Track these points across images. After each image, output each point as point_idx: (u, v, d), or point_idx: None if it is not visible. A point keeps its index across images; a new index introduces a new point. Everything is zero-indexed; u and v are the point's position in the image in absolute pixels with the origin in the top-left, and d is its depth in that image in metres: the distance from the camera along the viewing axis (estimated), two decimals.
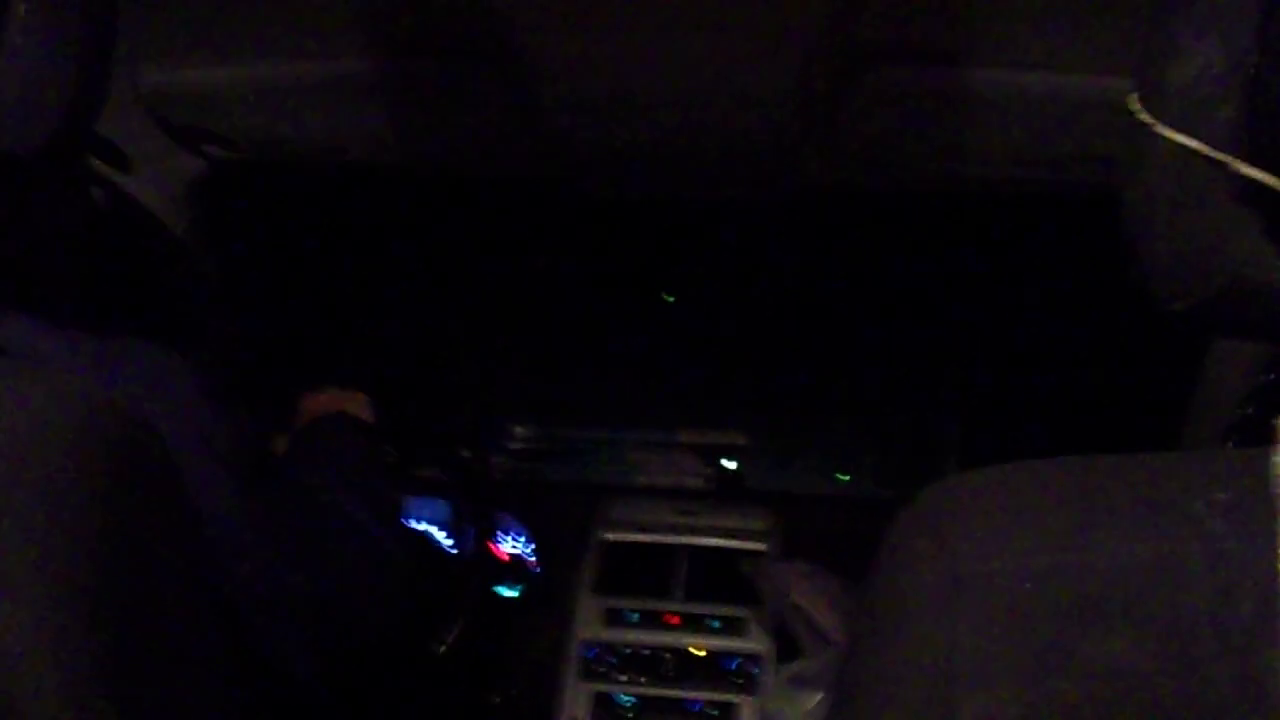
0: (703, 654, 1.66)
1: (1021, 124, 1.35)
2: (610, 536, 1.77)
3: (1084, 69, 1.27)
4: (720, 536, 1.75)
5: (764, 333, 1.91)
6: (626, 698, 1.65)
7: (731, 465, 1.89)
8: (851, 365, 1.90)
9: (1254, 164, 0.63)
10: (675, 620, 1.69)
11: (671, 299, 1.89)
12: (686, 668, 1.66)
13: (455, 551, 1.71)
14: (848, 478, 1.90)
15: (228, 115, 1.53)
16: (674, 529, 1.77)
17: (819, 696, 1.47)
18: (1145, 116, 0.67)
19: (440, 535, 1.72)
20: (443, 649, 1.64)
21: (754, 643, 1.66)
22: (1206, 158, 0.64)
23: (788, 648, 1.61)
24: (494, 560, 1.77)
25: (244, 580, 1.15)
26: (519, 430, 1.91)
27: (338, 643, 1.27)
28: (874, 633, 0.60)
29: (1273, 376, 0.65)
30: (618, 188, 1.66)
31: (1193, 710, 0.51)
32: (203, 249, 1.62)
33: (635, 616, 1.70)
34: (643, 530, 1.77)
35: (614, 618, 1.70)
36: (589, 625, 1.70)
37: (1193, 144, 0.64)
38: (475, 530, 1.72)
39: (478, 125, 1.52)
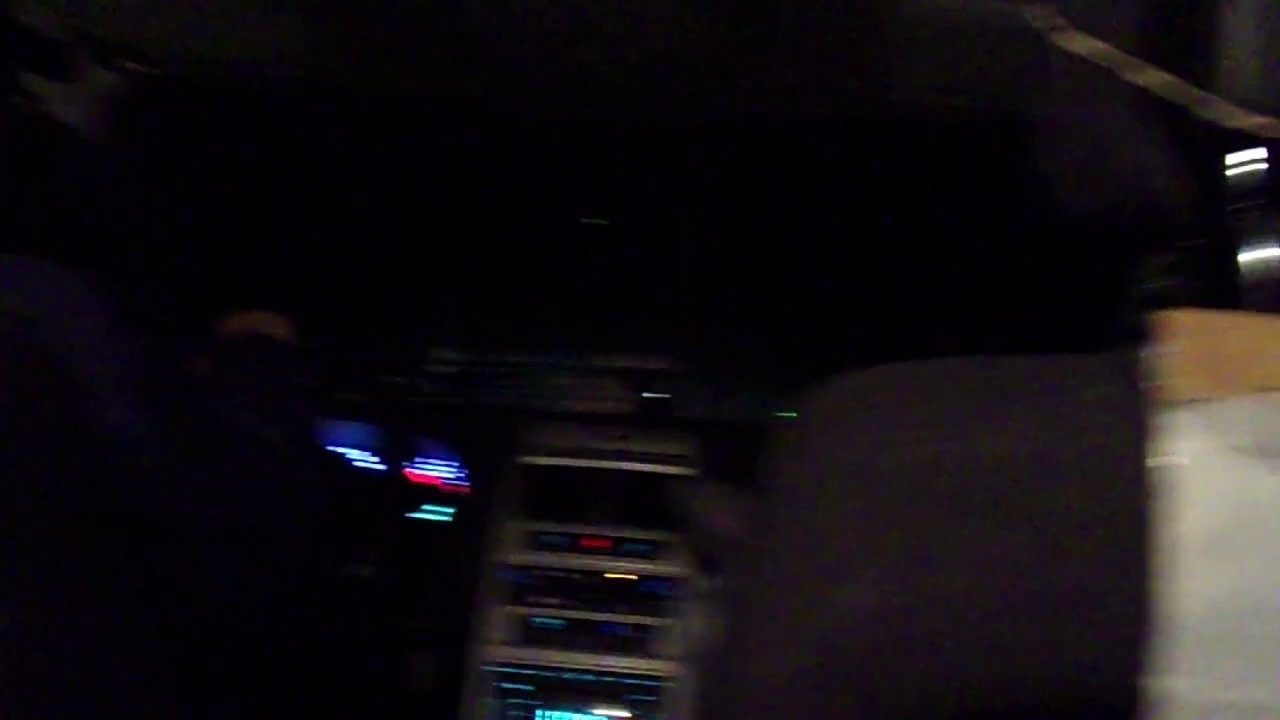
0: (624, 578, 1.67)
1: (941, 48, 1.35)
2: (533, 460, 1.76)
3: None
4: (647, 462, 1.75)
5: (696, 260, 1.90)
6: (549, 621, 1.66)
7: (660, 392, 1.88)
8: (785, 294, 1.90)
9: (1148, 68, 0.63)
10: (602, 544, 1.69)
11: (599, 222, 1.87)
12: (610, 592, 1.67)
13: (376, 475, 1.70)
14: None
15: (145, 29, 1.50)
16: (598, 454, 1.76)
17: None
18: (1041, 24, 0.67)
19: (362, 458, 1.72)
20: (365, 573, 1.63)
21: (680, 567, 1.66)
22: (1106, 61, 0.64)
23: (710, 571, 1.62)
24: (416, 485, 1.76)
25: (154, 504, 1.14)
26: (443, 354, 1.89)
27: (248, 566, 1.26)
28: (762, 520, 0.60)
29: (1159, 285, 0.66)
30: (548, 110, 1.65)
31: (1065, 595, 0.51)
32: (121, 166, 1.59)
33: (556, 539, 1.70)
34: (569, 455, 1.77)
35: (535, 541, 1.70)
36: (512, 549, 1.70)
37: (1088, 49, 0.64)
38: (397, 454, 1.72)
39: (403, 43, 1.50)
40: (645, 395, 1.88)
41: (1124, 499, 0.52)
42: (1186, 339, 0.53)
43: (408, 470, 1.75)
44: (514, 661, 1.64)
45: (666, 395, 1.90)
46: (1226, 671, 0.50)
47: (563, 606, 1.67)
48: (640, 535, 1.69)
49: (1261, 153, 0.59)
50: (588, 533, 1.70)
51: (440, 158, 1.87)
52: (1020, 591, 0.52)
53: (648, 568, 1.67)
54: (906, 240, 1.82)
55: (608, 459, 1.76)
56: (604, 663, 1.63)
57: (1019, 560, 0.52)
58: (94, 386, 1.04)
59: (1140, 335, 0.59)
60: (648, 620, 1.64)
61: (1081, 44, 0.65)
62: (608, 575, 1.67)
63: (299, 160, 1.86)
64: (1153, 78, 0.62)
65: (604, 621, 1.65)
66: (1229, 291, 0.60)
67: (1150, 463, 0.52)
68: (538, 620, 1.66)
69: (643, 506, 1.71)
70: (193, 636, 1.24)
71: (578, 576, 1.68)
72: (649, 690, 1.61)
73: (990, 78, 1.33)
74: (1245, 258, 0.59)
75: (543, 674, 1.63)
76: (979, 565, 0.52)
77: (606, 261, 1.89)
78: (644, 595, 1.65)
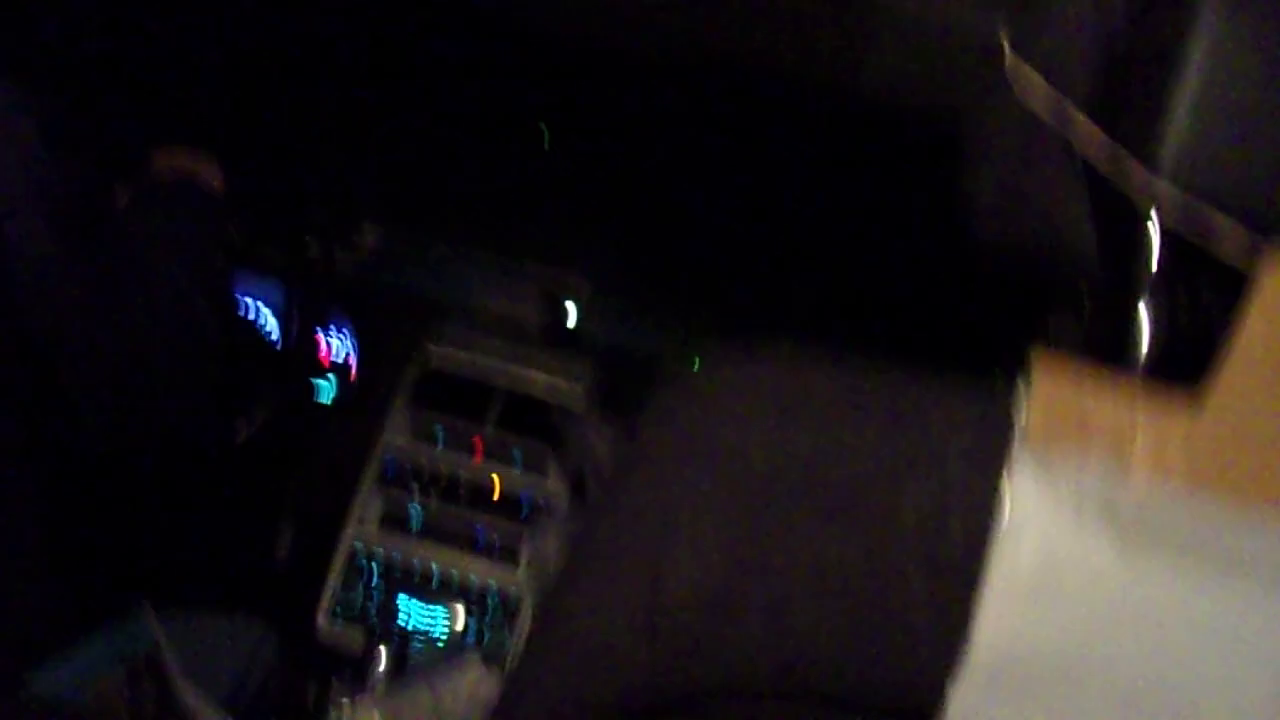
0: (499, 484, 1.68)
1: (901, 41, 1.37)
2: (436, 351, 1.77)
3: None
4: (543, 374, 1.76)
5: (634, 193, 1.90)
6: (416, 509, 1.67)
7: (570, 308, 1.88)
8: (704, 240, 1.91)
9: (1095, 120, 0.65)
10: (479, 445, 1.70)
11: (547, 133, 1.86)
12: (481, 495, 1.69)
13: (278, 337, 1.70)
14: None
15: None
16: (500, 356, 1.76)
17: None
18: (1009, 55, 0.69)
19: (268, 316, 1.71)
20: (243, 431, 1.64)
21: (550, 484, 1.68)
22: (1055, 106, 0.66)
23: (581, 494, 1.64)
24: (314, 356, 1.76)
25: (50, 323, 1.13)
26: (368, 227, 1.87)
27: (138, 402, 1.26)
28: (613, 482, 0.62)
29: (1058, 334, 0.68)
30: (515, 14, 1.64)
31: (889, 610, 0.54)
32: None
33: (443, 435, 1.71)
34: (467, 354, 1.77)
35: (422, 432, 1.71)
36: (396, 435, 1.71)
37: (1042, 87, 0.66)
38: (303, 319, 1.71)
39: None
40: (556, 310, 1.88)
41: (961, 535, 0.54)
42: (1047, 385, 0.56)
43: (314, 336, 1.74)
44: (376, 544, 1.66)
45: (576, 315, 1.90)
46: (1006, 704, 0.53)
47: (428, 498, 1.68)
48: (524, 445, 1.70)
49: (1163, 224, 0.62)
50: (472, 432, 1.71)
51: (402, 35, 1.84)
52: (845, 601, 0.54)
53: (524, 478, 1.69)
54: (833, 216, 1.83)
55: (506, 363, 1.76)
56: (462, 562, 1.65)
57: (850, 569, 0.54)
58: (13, 202, 1.03)
59: (1019, 370, 0.61)
60: (510, 528, 1.66)
61: (1032, 82, 0.67)
62: (484, 478, 1.69)
63: (254, 11, 1.82)
64: (1088, 131, 0.64)
65: (471, 522, 1.67)
66: (1115, 349, 0.63)
67: (992, 499, 0.54)
68: (408, 509, 1.68)
69: (532, 422, 1.72)
70: (67, 462, 1.24)
71: (455, 475, 1.69)
72: (504, 599, 1.63)
73: (947, 83, 1.35)
74: (1136, 318, 0.62)
75: (403, 563, 1.65)
76: (810, 559, 0.54)
77: (545, 170, 1.88)
78: (514, 505, 1.68)
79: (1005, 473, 0.54)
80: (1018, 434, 0.55)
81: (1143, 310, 0.63)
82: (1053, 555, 0.53)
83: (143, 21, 1.69)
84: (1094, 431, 0.55)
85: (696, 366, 0.62)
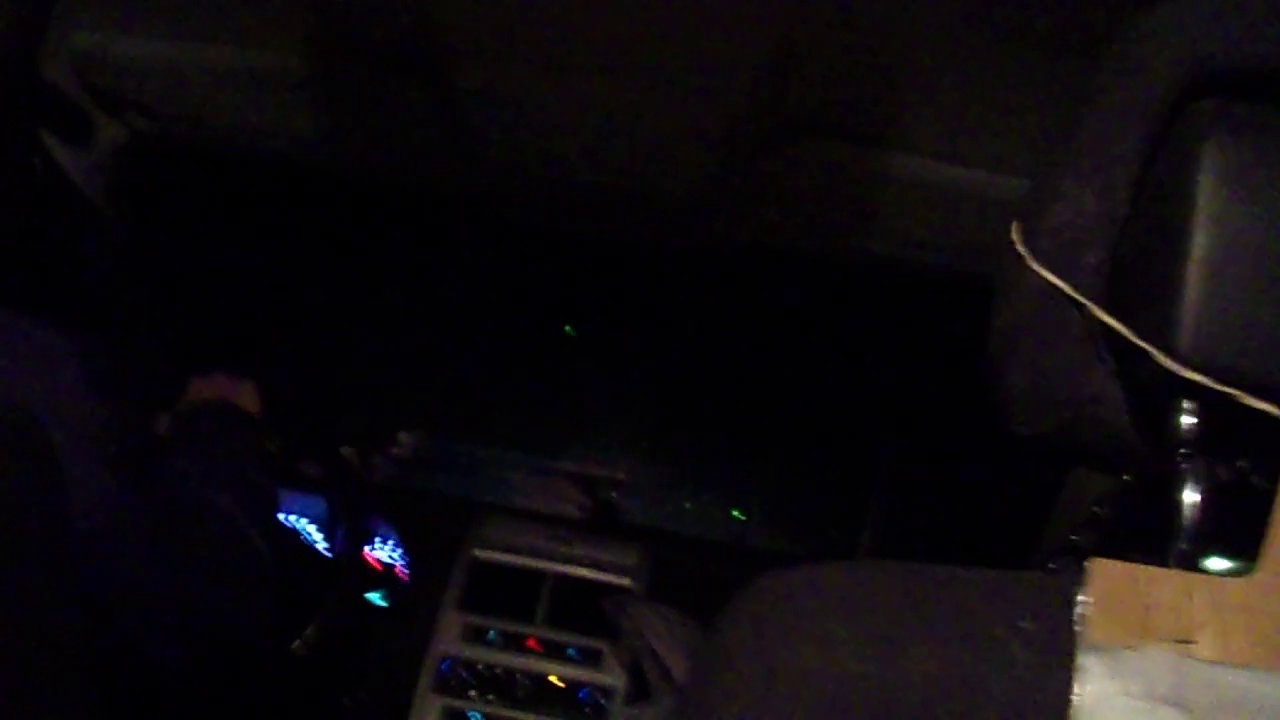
0: (557, 682, 1.68)
1: (928, 209, 1.40)
2: (481, 554, 1.78)
3: (988, 167, 1.32)
4: (589, 568, 1.77)
5: (659, 376, 1.94)
6: (477, 715, 1.67)
7: (610, 499, 1.91)
8: (746, 416, 1.94)
9: (1111, 311, 0.67)
10: (534, 645, 1.71)
11: (572, 331, 1.91)
12: (539, 693, 1.68)
13: (326, 552, 1.71)
14: (744, 517, 1.93)
15: (156, 88, 1.53)
16: (545, 554, 1.78)
17: None
18: (1021, 249, 0.71)
19: (313, 532, 1.73)
20: (300, 647, 1.64)
21: (608, 676, 1.68)
22: (1070, 297, 0.68)
23: (641, 687, 1.63)
24: (363, 565, 1.77)
25: (109, 571, 1.14)
26: (404, 436, 1.91)
27: (199, 637, 1.27)
28: (691, 709, 0.63)
29: (1100, 510, 0.70)
30: (536, 218, 1.68)
31: None
32: (115, 218, 1.61)
33: (496, 636, 1.71)
34: (513, 552, 1.78)
35: (474, 635, 1.72)
36: (449, 640, 1.72)
37: (1057, 283, 0.68)
38: (347, 531, 1.73)
39: (404, 137, 1.53)
40: (596, 500, 1.91)
41: None
42: (1105, 586, 0.57)
43: (361, 553, 1.76)
44: None
45: (617, 501, 1.92)
46: None
47: (487, 701, 1.68)
48: (577, 641, 1.71)
49: (1197, 406, 0.63)
50: (525, 632, 1.72)
51: (428, 248, 1.90)
52: None
53: (581, 674, 1.69)
54: (864, 383, 1.86)
55: (552, 560, 1.78)
56: None
57: None
58: (66, 453, 1.06)
59: (1076, 557, 0.62)
60: None
61: (1046, 276, 0.69)
62: (541, 676, 1.69)
63: (285, 231, 1.89)
64: (1110, 320, 0.66)
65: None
66: (1162, 530, 0.64)
67: (1064, 702, 0.55)
68: (467, 713, 1.67)
69: (583, 612, 1.73)
70: (141, 703, 1.25)
71: (506, 673, 1.69)
72: None
73: (973, 243, 1.37)
74: (1180, 500, 0.63)
75: None
76: None
77: (574, 368, 1.92)
78: (574, 701, 1.67)
79: (1072, 667, 0.55)
80: (1079, 626, 0.56)
81: (1185, 483, 0.64)
82: None
83: (172, 259, 1.75)
84: (1155, 624, 0.55)
85: (751, 595, 0.63)
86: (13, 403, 0.88)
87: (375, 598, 1.78)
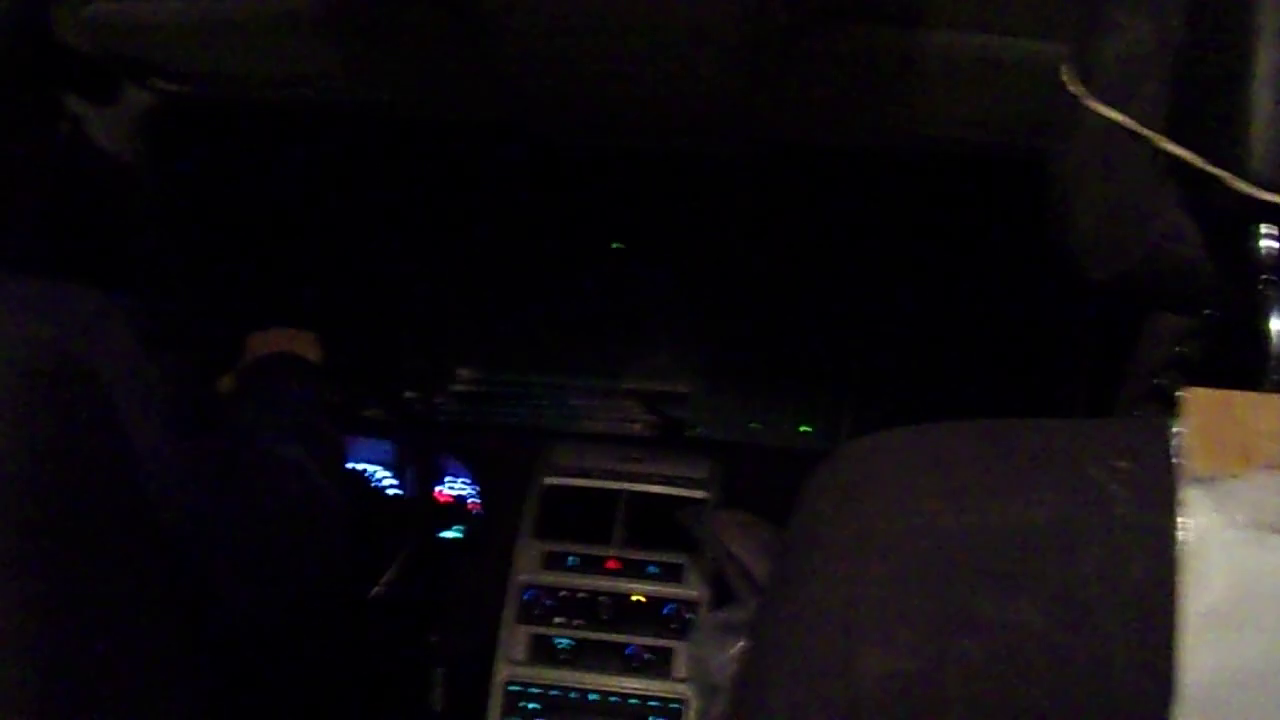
0: (640, 599, 1.69)
1: (966, 84, 1.36)
2: (551, 481, 1.79)
3: (1028, 33, 1.28)
4: (661, 484, 1.77)
5: (714, 285, 1.92)
6: (564, 640, 1.68)
7: (677, 414, 1.90)
8: (805, 323, 1.92)
9: (1176, 140, 0.64)
10: (614, 565, 1.71)
11: (620, 246, 1.89)
12: (623, 612, 1.69)
13: (397, 493, 1.72)
14: (811, 429, 1.92)
15: (177, 49, 1.51)
16: (615, 475, 1.78)
17: (744, 643, 1.50)
18: (1076, 89, 0.69)
19: (383, 476, 1.73)
20: (380, 591, 1.65)
21: (690, 589, 1.68)
22: (1131, 132, 0.66)
23: (724, 595, 1.63)
24: (435, 503, 1.78)
25: (181, 525, 1.15)
26: (464, 373, 1.91)
27: (275, 585, 1.28)
28: (782, 584, 0.62)
29: (1183, 349, 0.68)
30: (571, 136, 1.66)
31: (1087, 664, 0.53)
32: (151, 185, 1.61)
33: (574, 560, 1.72)
34: (584, 475, 1.79)
35: (553, 561, 1.72)
36: (528, 568, 1.72)
37: (1119, 118, 0.66)
38: (417, 471, 1.73)
39: (431, 68, 1.51)
40: (662, 416, 1.90)
41: (1143, 573, 0.53)
42: (1201, 416, 0.55)
43: (432, 487, 1.77)
44: (531, 680, 1.66)
45: (683, 417, 1.91)
46: None
47: (573, 625, 1.69)
48: (656, 557, 1.71)
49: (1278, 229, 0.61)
50: (604, 553, 1.72)
51: (464, 179, 1.89)
52: (1040, 661, 0.53)
53: (663, 589, 1.69)
54: (927, 274, 1.83)
55: (624, 480, 1.78)
56: (619, 683, 1.64)
57: (1038, 629, 0.54)
58: (127, 412, 1.06)
59: (1161, 401, 0.60)
60: (662, 642, 1.66)
61: (1106, 112, 0.67)
62: (623, 596, 1.69)
63: (324, 179, 1.88)
64: (1174, 150, 0.64)
65: (619, 642, 1.67)
66: (1252, 360, 0.62)
67: (1169, 539, 0.53)
68: (549, 638, 1.68)
69: (659, 528, 1.73)
70: (219, 654, 1.26)
71: (589, 596, 1.70)
72: (663, 712, 1.62)
73: (1023, 116, 1.34)
74: (1268, 328, 0.61)
75: (558, 693, 1.65)
76: (1000, 633, 0.54)
77: (626, 284, 1.91)
78: (659, 617, 1.67)
79: (1175, 503, 0.53)
80: (1178, 463, 0.54)
81: (1271, 310, 0.62)
82: (1244, 579, 0.52)
83: (214, 218, 1.74)
84: (1257, 451, 0.54)
85: (840, 460, 0.62)
86: (69, 356, 0.88)
87: (451, 533, 1.79)
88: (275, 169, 1.84)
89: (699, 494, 1.76)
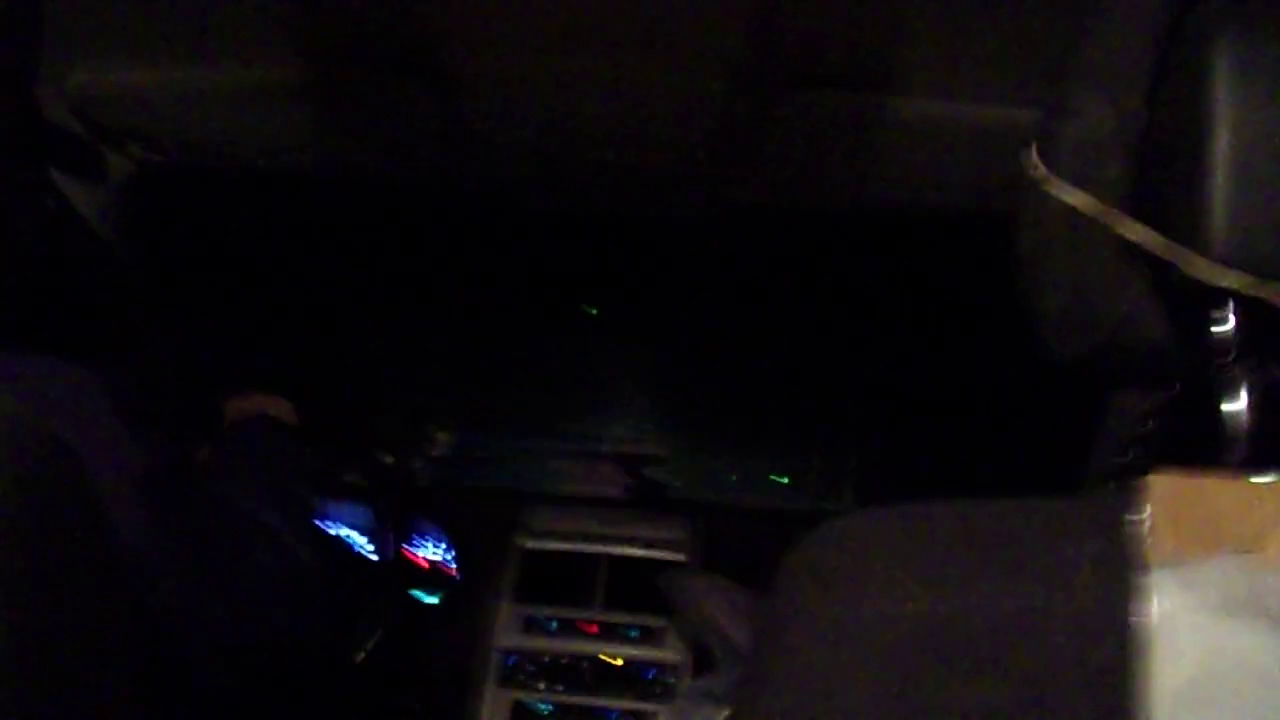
0: (620, 663, 1.68)
1: (932, 150, 1.38)
2: (530, 544, 1.78)
3: (996, 100, 1.30)
4: (639, 546, 1.77)
5: (686, 346, 1.93)
6: (544, 705, 1.67)
7: (653, 477, 1.91)
8: (776, 379, 1.93)
9: (1138, 220, 0.65)
10: (593, 629, 1.71)
11: (594, 311, 1.90)
12: (604, 676, 1.68)
13: (375, 557, 1.71)
14: (786, 479, 1.93)
15: (155, 118, 1.52)
16: (594, 538, 1.78)
17: (726, 713, 1.50)
18: (1037, 172, 0.70)
19: (360, 540, 1.73)
20: (360, 656, 1.64)
21: (670, 653, 1.68)
22: (1094, 214, 0.67)
23: (704, 660, 1.63)
24: (413, 567, 1.78)
25: (157, 597, 1.14)
26: (441, 436, 1.91)
27: (252, 654, 1.27)
28: (762, 666, 0.62)
29: (1149, 425, 0.69)
30: (544, 201, 1.68)
31: None
32: (128, 252, 1.61)
33: (554, 625, 1.71)
34: (563, 539, 1.79)
35: (533, 626, 1.72)
36: (508, 633, 1.72)
37: (1081, 200, 0.67)
38: (395, 535, 1.73)
39: (406, 136, 1.52)
40: (639, 478, 1.91)
41: (1108, 658, 0.54)
42: (1167, 499, 0.56)
43: (405, 552, 1.76)
44: None
45: (660, 478, 1.92)
46: None
47: (555, 690, 1.68)
48: (636, 620, 1.71)
49: (1234, 310, 0.62)
50: (580, 616, 1.72)
51: (441, 245, 1.90)
52: None
53: (643, 653, 1.69)
54: (894, 331, 1.85)
55: (603, 543, 1.78)
56: None
57: (1007, 713, 0.54)
58: (104, 487, 1.06)
59: (1127, 477, 0.61)
60: (643, 706, 1.65)
61: (1068, 196, 0.68)
62: (600, 659, 1.69)
63: (300, 246, 1.89)
64: (1136, 230, 0.65)
65: (600, 706, 1.66)
66: (1212, 439, 0.63)
67: (1132, 622, 0.54)
68: (530, 703, 1.67)
69: (635, 591, 1.73)
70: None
71: (570, 661, 1.69)
72: None
73: (990, 180, 1.36)
74: (1226, 409, 0.62)
75: None
76: (969, 713, 0.54)
77: (599, 348, 1.92)
78: (640, 681, 1.67)
79: (1141, 586, 0.54)
80: (1146, 543, 0.55)
81: (1231, 390, 0.63)
82: (1212, 659, 0.53)
83: (190, 286, 1.75)
84: (1221, 533, 0.55)
85: (808, 546, 0.63)
86: (46, 432, 0.88)
87: (427, 598, 1.78)
88: (251, 236, 1.84)
89: (678, 556, 1.76)
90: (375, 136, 1.54)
